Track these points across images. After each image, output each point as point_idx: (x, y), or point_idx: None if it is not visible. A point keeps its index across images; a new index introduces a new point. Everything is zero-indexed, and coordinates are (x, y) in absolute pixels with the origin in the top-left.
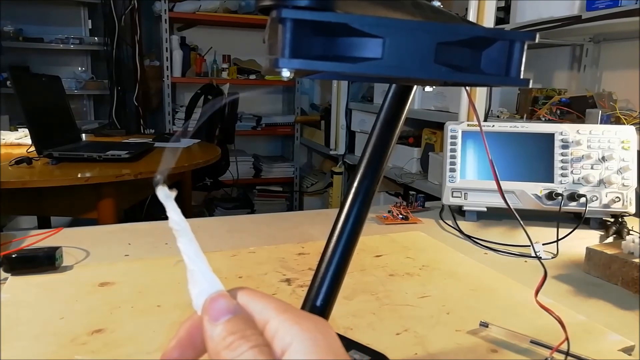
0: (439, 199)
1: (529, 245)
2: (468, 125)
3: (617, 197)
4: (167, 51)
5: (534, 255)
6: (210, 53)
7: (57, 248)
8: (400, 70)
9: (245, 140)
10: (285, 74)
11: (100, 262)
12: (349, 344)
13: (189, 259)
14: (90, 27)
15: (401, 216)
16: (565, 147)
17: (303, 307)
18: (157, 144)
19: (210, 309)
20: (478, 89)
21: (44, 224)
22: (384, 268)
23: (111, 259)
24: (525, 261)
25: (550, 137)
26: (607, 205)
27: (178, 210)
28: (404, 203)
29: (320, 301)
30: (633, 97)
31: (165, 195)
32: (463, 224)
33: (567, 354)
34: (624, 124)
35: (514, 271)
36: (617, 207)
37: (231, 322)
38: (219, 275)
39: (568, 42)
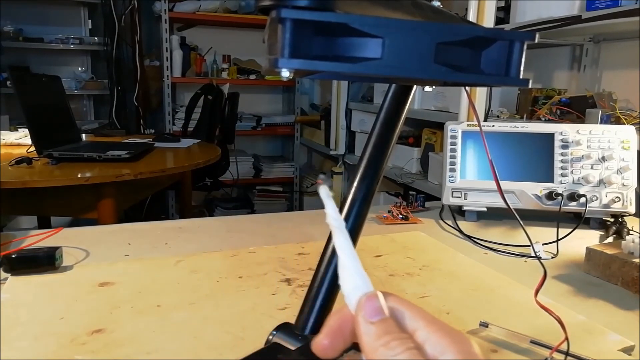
0: (439, 199)
1: (529, 245)
2: (468, 125)
3: (617, 197)
4: (167, 51)
5: (534, 255)
6: (210, 53)
7: (57, 248)
8: (400, 70)
9: (245, 140)
10: (285, 74)
11: (100, 262)
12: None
13: (344, 255)
14: (90, 27)
15: (401, 216)
16: (565, 147)
17: (303, 307)
18: (157, 144)
19: (366, 307)
20: (478, 89)
21: (44, 224)
22: (384, 268)
23: (111, 259)
24: (525, 261)
25: (550, 137)
26: (607, 205)
27: (336, 209)
28: (404, 203)
29: (320, 301)
30: (633, 97)
31: (326, 194)
32: (463, 224)
33: (566, 353)
34: (624, 124)
35: (513, 271)
36: (617, 207)
37: (386, 323)
38: (219, 275)
39: (568, 42)
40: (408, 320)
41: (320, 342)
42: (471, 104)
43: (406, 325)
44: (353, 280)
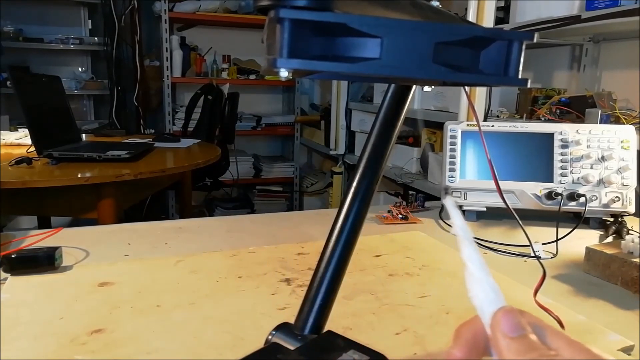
0: (439, 198)
1: (529, 245)
2: (468, 125)
3: (616, 196)
4: (167, 51)
5: (534, 255)
6: (210, 53)
7: (57, 248)
8: (399, 70)
9: (245, 140)
10: (284, 74)
11: (100, 262)
12: (348, 344)
13: (474, 266)
14: (90, 27)
15: (401, 216)
16: (564, 146)
17: (303, 307)
18: (157, 144)
19: (505, 322)
20: (477, 88)
21: (44, 224)
22: (384, 268)
23: (111, 259)
24: (525, 261)
25: (549, 136)
26: (606, 205)
27: (463, 219)
28: (404, 203)
29: (319, 301)
30: (633, 97)
31: (452, 205)
32: None
33: None
34: (623, 123)
35: (513, 271)
36: (616, 206)
37: (527, 339)
38: (219, 275)
39: (568, 42)
40: (548, 338)
41: (454, 355)
42: (470, 104)
43: (547, 343)
44: (486, 294)
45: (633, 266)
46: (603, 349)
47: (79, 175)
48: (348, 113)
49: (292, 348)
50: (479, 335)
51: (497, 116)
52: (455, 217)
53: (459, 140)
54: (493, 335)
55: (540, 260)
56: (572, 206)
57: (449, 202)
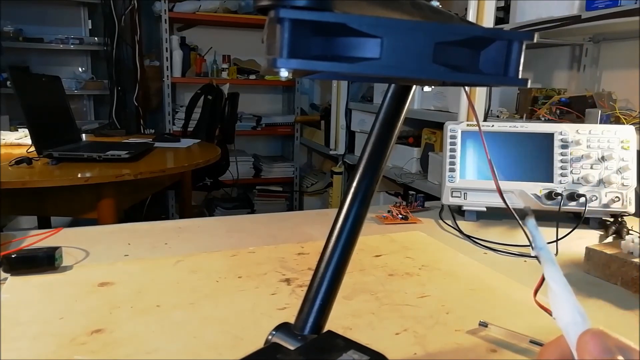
0: (439, 198)
1: (529, 245)
2: (468, 125)
3: (616, 196)
4: (167, 51)
5: (534, 255)
6: (210, 53)
7: (56, 248)
8: (399, 70)
9: (245, 140)
10: (284, 74)
11: (100, 262)
12: (348, 344)
13: (559, 288)
14: (90, 27)
15: (401, 216)
16: (564, 146)
17: (302, 307)
18: (157, 144)
19: (593, 346)
20: (477, 88)
21: (44, 224)
22: (384, 268)
23: (111, 259)
24: (525, 261)
25: (549, 137)
26: (606, 205)
27: (544, 240)
28: (404, 203)
29: (319, 301)
30: (633, 97)
31: (534, 226)
32: (463, 224)
33: None
34: (623, 123)
35: (513, 271)
36: (616, 206)
37: None
38: (219, 275)
39: (568, 42)
40: None
41: None
42: (470, 104)
43: None
44: (572, 316)
45: (633, 266)
46: None
47: (79, 175)
48: (348, 113)
49: (292, 348)
50: (566, 356)
51: (497, 116)
52: (537, 239)
53: (459, 140)
54: (580, 358)
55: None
56: (572, 206)
57: (530, 224)
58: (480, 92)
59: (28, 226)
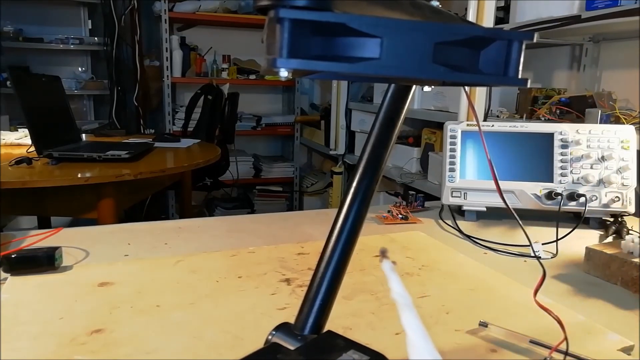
0: (439, 198)
1: (529, 245)
2: (467, 125)
3: (616, 196)
4: (167, 51)
5: (533, 255)
6: (210, 53)
7: (56, 248)
8: (399, 70)
9: (245, 140)
10: (283, 74)
11: (100, 262)
12: (348, 344)
13: (414, 334)
14: (90, 27)
15: (401, 216)
16: (564, 146)
17: (302, 307)
18: (157, 144)
19: None
20: (477, 88)
21: (44, 224)
22: None
23: (111, 259)
24: (525, 261)
25: (549, 136)
26: (606, 205)
27: (401, 284)
28: (404, 203)
29: (319, 301)
30: (633, 96)
31: (390, 268)
32: (463, 224)
33: (566, 353)
34: (623, 123)
35: (513, 271)
36: (616, 206)
37: None
38: (219, 275)
39: (567, 42)
40: None
41: None
42: (470, 104)
43: None
44: None
45: (633, 266)
46: (602, 348)
47: (79, 175)
48: (348, 113)
49: (292, 348)
50: None
51: (497, 116)
52: (393, 282)
53: (459, 140)
54: None
55: (540, 260)
56: (572, 206)
57: (386, 266)
58: (480, 92)
59: (28, 226)
